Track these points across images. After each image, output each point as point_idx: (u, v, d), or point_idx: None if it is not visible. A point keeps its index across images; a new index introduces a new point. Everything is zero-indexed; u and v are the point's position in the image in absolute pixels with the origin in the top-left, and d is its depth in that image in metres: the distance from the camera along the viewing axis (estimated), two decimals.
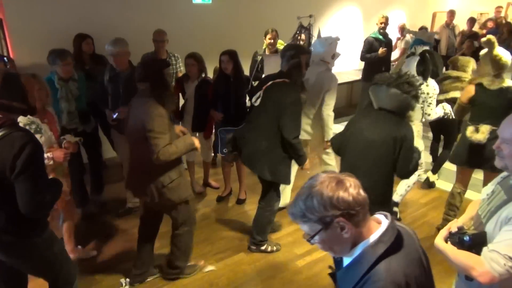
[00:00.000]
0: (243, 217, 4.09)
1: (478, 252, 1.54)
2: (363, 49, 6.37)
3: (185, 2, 5.48)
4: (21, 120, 2.40)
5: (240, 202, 4.37)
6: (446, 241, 1.67)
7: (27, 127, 2.41)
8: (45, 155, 2.45)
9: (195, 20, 5.61)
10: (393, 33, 7.25)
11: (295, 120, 3.08)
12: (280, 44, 4.90)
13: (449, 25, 7.85)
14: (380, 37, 6.34)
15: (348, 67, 7.92)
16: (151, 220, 3.04)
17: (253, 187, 4.62)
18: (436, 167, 4.79)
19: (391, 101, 2.46)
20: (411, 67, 3.67)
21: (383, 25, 6.32)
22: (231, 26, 5.99)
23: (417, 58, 3.71)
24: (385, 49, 6.26)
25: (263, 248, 3.51)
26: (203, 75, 4.11)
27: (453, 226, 1.71)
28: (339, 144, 2.74)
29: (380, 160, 2.49)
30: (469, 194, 3.95)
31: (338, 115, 7.68)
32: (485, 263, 1.47)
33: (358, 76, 7.19)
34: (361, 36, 7.82)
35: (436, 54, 3.96)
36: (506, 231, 1.47)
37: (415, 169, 2.54)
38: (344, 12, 7.52)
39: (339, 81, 7.01)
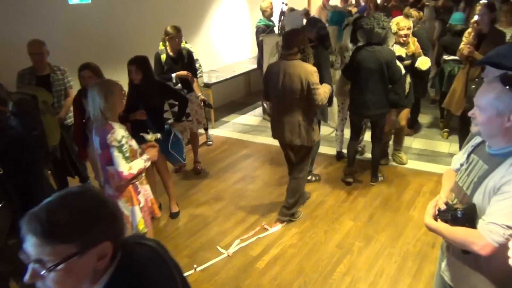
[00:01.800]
0: (181, 235, 3.75)
1: (471, 225, 1.54)
2: (257, 36, 6.35)
3: (59, 4, 4.73)
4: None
5: (174, 216, 3.98)
6: (436, 219, 1.67)
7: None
8: (144, 157, 2.69)
9: (76, 24, 4.88)
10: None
11: (329, 73, 3.89)
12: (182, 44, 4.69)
13: (326, 6, 8.26)
14: (270, 23, 6.43)
15: (241, 57, 7.87)
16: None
17: (182, 196, 4.31)
18: None
19: (377, 36, 3.86)
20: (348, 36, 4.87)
21: (269, 10, 6.39)
22: (122, 26, 5.39)
23: (351, 27, 4.82)
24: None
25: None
26: None
27: (439, 203, 1.69)
28: (351, 74, 4.07)
29: (379, 80, 3.89)
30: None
31: (240, 106, 7.74)
32: (485, 236, 1.47)
33: (253, 64, 7.19)
34: (249, 25, 7.84)
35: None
36: (498, 201, 1.47)
37: (401, 76, 3.98)
38: (230, 2, 7.41)
39: (236, 73, 7.05)
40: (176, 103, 4.04)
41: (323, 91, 3.37)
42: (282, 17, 5.69)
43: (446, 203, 1.67)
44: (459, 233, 1.56)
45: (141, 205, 2.76)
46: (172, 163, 3.74)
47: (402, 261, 3.20)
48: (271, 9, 6.38)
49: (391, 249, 3.36)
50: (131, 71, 3.50)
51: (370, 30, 3.83)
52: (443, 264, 1.85)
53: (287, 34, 3.61)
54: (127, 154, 2.57)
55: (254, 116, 6.88)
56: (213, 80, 6.28)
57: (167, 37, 4.37)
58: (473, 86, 3.75)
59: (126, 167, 2.54)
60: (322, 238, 3.55)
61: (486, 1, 5.08)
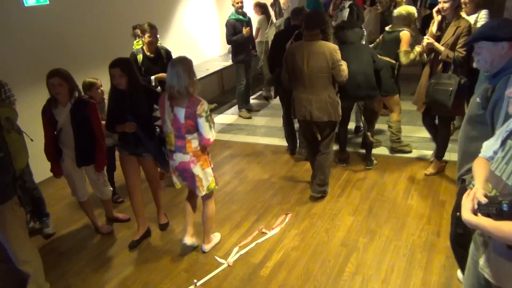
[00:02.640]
0: (174, 247, 3.47)
1: None
2: (228, 32, 6.11)
3: (13, 7, 4.30)
4: None
5: (163, 227, 3.70)
6: (476, 214, 1.50)
7: None
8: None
9: (33, 27, 4.48)
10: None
11: None
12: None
13: None
14: (241, 17, 6.20)
15: (213, 54, 7.60)
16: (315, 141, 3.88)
17: (169, 205, 4.03)
18: None
19: (356, 35, 4.10)
20: (343, 17, 5.18)
21: (240, 4, 6.17)
22: (84, 28, 5.00)
23: (347, 10, 5.08)
24: (248, 28, 6.16)
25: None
26: (76, 94, 3.26)
27: (478, 195, 1.51)
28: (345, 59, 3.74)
29: (369, 64, 4.02)
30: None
31: (215, 102, 7.46)
32: None
33: (226, 61, 6.96)
34: (217, 22, 7.57)
35: (358, 6, 5.32)
36: None
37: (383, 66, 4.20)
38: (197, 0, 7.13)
39: (210, 71, 6.78)
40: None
41: (345, 67, 3.60)
42: (277, 3, 6.26)
43: (486, 196, 1.50)
44: (508, 228, 1.39)
45: (212, 166, 3.13)
46: (164, 169, 3.44)
47: (410, 254, 3.08)
48: (239, 3, 6.14)
49: (397, 242, 3.24)
50: (114, 76, 3.09)
51: (348, 31, 4.11)
52: (482, 261, 1.70)
53: (309, 16, 3.72)
54: (211, 124, 2.92)
55: (231, 115, 6.65)
56: None
57: (144, 35, 4.13)
58: (433, 81, 3.65)
59: (211, 134, 2.93)
60: (324, 237, 3.38)
61: None
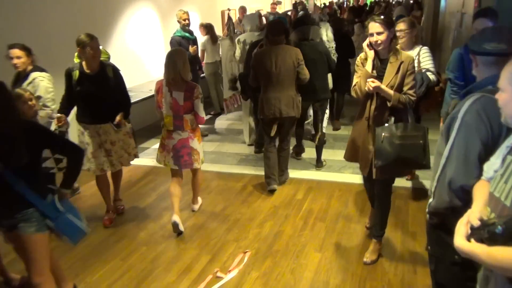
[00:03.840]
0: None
1: None
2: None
3: None
4: None
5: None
6: (469, 240, 1.27)
7: None
8: None
9: None
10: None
11: None
12: (104, 54, 3.86)
13: (241, 21, 7.92)
14: (187, 34, 5.79)
15: (157, 74, 7.04)
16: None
17: (103, 247, 3.36)
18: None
19: (314, 33, 4.47)
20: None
21: (187, 21, 5.77)
22: (23, 38, 4.27)
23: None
24: (195, 46, 5.76)
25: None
26: None
27: (471, 218, 1.29)
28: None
29: (323, 68, 4.39)
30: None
31: (159, 129, 6.82)
32: None
33: None
34: (161, 39, 7.08)
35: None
36: None
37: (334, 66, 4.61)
38: (140, 14, 6.59)
39: (151, 93, 6.21)
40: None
41: (306, 69, 3.98)
42: (230, 22, 6.28)
43: (481, 219, 1.27)
44: (502, 254, 1.14)
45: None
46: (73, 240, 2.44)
47: None
48: (186, 20, 5.74)
49: (371, 282, 2.84)
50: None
51: (308, 27, 4.49)
52: None
53: (273, 23, 4.25)
54: (203, 104, 3.37)
55: None
56: None
57: (79, 48, 3.29)
58: (386, 134, 2.63)
59: (204, 113, 3.40)
60: (290, 279, 2.91)
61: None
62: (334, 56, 4.85)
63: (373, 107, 2.78)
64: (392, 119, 2.71)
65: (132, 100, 5.40)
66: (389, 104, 2.71)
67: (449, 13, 6.67)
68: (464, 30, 5.46)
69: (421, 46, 3.63)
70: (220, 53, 5.76)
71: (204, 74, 6.70)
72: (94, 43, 3.27)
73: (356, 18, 8.75)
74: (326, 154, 5.02)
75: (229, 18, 6.44)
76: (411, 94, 2.72)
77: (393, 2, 17.27)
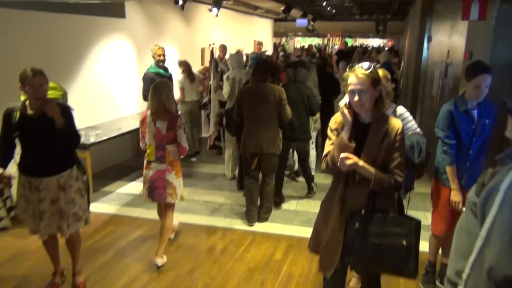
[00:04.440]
0: None
1: None
2: (145, 87, 5.28)
3: None
4: None
5: None
6: None
7: None
8: None
9: None
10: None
11: None
12: (54, 89, 3.33)
13: (222, 59, 7.68)
14: (161, 71, 5.45)
15: (129, 111, 6.61)
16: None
17: None
18: None
19: (301, 75, 4.61)
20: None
21: (161, 57, 5.44)
22: None
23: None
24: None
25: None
26: None
27: None
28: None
29: (303, 109, 4.52)
30: None
31: (126, 170, 6.38)
32: None
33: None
34: (136, 74, 6.70)
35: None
36: None
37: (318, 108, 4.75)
38: (114, 47, 6.23)
39: (122, 131, 5.76)
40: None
41: (289, 108, 4.11)
42: (215, 61, 6.23)
43: None
44: None
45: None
46: None
47: None
48: (161, 55, 5.42)
49: None
50: None
51: (296, 69, 4.62)
52: None
53: (260, 62, 4.45)
54: (186, 135, 3.41)
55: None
56: (92, 140, 4.88)
57: (19, 84, 2.71)
58: (359, 229, 2.08)
59: (187, 144, 3.42)
60: None
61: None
62: (318, 98, 4.89)
63: (349, 187, 2.16)
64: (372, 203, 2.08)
65: (96, 139, 5.00)
66: (369, 188, 2.06)
67: (432, 63, 6.60)
68: (449, 80, 5.33)
69: (394, 105, 2.78)
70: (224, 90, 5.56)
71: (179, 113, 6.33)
72: (37, 80, 2.64)
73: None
74: (308, 206, 4.63)
75: (212, 54, 6.23)
76: (398, 174, 2.08)
77: (369, 49, 17.66)
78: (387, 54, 8.43)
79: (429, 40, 6.87)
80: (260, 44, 10.04)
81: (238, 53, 5.93)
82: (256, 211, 4.27)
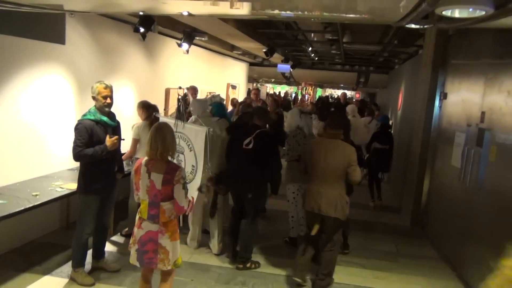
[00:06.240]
0: None
1: None
2: (79, 140, 3.58)
3: None
4: None
5: None
6: None
7: None
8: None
9: None
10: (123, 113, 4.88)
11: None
12: None
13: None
14: (104, 118, 3.77)
15: (59, 166, 4.89)
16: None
17: None
18: None
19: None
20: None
21: (108, 100, 3.78)
22: None
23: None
24: (115, 137, 3.74)
25: (248, 265, 4.23)
26: None
27: None
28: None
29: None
30: None
31: (47, 251, 4.36)
32: None
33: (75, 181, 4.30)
34: (73, 119, 5.04)
35: None
36: None
37: None
38: (46, 82, 4.62)
39: (39, 200, 3.73)
40: None
41: (359, 171, 3.76)
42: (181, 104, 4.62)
43: None
44: None
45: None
46: None
47: None
48: (107, 97, 3.72)
49: None
50: None
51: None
52: None
53: (335, 115, 4.53)
54: (186, 191, 2.95)
55: (60, 278, 3.79)
56: None
57: None
58: None
59: (185, 203, 2.94)
60: None
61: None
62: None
63: None
64: None
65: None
66: None
67: (450, 125, 5.42)
68: (487, 149, 4.10)
69: None
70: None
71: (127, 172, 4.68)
72: None
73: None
74: None
75: (184, 99, 4.71)
76: None
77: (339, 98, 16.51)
78: (354, 108, 8.80)
79: (443, 97, 5.72)
80: (256, 89, 8.98)
81: (203, 99, 4.83)
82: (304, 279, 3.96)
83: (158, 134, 2.89)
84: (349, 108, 8.74)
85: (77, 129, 3.64)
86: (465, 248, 4.52)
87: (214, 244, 4.59)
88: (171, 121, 4.22)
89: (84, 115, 3.74)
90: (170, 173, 2.86)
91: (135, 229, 2.97)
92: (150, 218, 2.90)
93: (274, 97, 12.15)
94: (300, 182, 4.63)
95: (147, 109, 4.78)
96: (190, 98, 5.89)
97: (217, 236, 4.56)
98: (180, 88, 5.40)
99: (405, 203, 6.72)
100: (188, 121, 4.50)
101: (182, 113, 4.55)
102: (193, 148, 4.18)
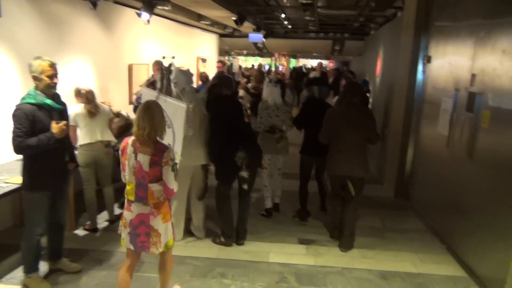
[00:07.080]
0: None
1: None
2: (18, 131, 3.04)
3: None
4: None
5: None
6: None
7: None
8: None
9: None
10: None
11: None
12: None
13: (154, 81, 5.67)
14: (48, 101, 3.19)
15: (6, 157, 4.31)
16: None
17: None
18: None
19: (324, 93, 4.80)
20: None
21: (54, 79, 3.22)
22: None
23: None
24: (63, 122, 3.19)
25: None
26: None
27: None
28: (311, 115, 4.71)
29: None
30: None
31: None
32: None
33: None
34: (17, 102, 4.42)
35: None
36: None
37: None
38: None
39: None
40: None
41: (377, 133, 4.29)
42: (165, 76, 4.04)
43: None
44: None
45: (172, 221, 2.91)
46: None
47: None
48: (53, 76, 3.17)
49: None
50: None
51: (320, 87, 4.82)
52: None
53: (352, 84, 4.80)
54: (176, 173, 2.77)
55: (11, 286, 3.32)
56: None
57: None
58: None
59: (175, 185, 2.77)
60: None
61: None
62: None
63: None
64: None
65: None
66: None
67: (436, 90, 5.09)
68: (479, 115, 3.78)
69: None
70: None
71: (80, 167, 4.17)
72: None
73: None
74: None
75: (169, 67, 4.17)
76: None
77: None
78: (315, 75, 8.20)
79: (427, 61, 5.35)
80: (220, 61, 8.41)
81: (187, 70, 4.24)
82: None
83: (146, 113, 2.71)
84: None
85: (15, 116, 3.09)
86: (454, 220, 4.28)
87: (200, 228, 4.32)
88: (153, 93, 3.91)
89: (23, 98, 3.18)
90: (158, 154, 2.71)
91: (125, 212, 2.83)
92: (138, 200, 2.76)
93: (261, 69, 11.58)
94: (272, 152, 4.79)
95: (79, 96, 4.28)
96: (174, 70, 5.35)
97: (203, 220, 4.32)
98: (164, 58, 4.88)
99: (387, 173, 6.46)
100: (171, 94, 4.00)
101: (166, 86, 4.05)
102: (171, 125, 3.71)
